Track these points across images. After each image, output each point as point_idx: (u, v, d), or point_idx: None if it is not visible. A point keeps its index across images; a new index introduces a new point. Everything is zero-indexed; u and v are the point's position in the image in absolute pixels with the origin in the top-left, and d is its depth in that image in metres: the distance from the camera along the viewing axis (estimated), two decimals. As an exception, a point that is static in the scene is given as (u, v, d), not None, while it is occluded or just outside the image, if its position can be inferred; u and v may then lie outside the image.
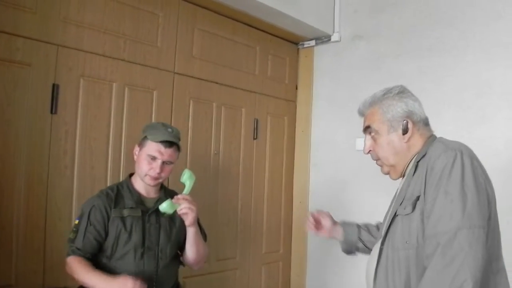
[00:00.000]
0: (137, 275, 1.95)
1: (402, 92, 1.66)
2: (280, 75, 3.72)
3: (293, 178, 3.82)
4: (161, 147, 2.02)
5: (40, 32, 2.30)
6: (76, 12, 2.44)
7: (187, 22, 2.98)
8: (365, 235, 1.98)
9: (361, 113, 1.76)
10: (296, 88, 3.86)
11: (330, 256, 3.52)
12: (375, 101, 1.68)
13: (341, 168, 3.54)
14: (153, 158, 2.03)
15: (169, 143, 2.04)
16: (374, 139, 1.68)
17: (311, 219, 2.02)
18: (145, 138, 2.07)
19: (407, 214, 1.50)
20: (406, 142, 1.62)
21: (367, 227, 2.02)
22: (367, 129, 1.71)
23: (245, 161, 3.39)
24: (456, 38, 2.96)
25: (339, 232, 2.02)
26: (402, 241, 1.50)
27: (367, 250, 1.94)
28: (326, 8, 3.59)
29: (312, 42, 3.75)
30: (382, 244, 1.59)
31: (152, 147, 2.03)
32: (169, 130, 2.09)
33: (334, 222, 2.04)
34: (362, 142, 3.26)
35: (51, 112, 2.33)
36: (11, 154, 2.21)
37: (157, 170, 2.02)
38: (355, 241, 1.99)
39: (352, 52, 3.53)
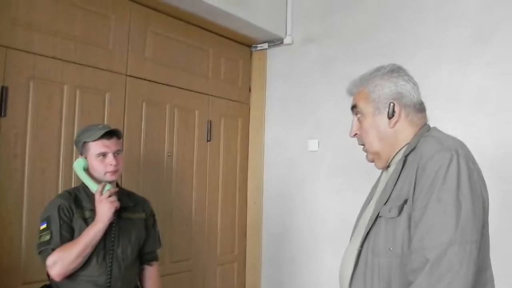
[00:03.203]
0: (99, 277, 1.96)
1: (393, 70, 1.51)
2: (233, 78, 3.76)
3: (247, 179, 3.85)
4: (105, 141, 2.04)
5: (-13, 33, 2.25)
6: (25, 13, 2.39)
7: (139, 24, 2.97)
8: None
9: (350, 92, 1.60)
10: (250, 90, 3.90)
11: (284, 256, 3.60)
12: (362, 80, 1.55)
13: (294, 169, 3.60)
14: (104, 155, 2.03)
15: (108, 135, 2.05)
16: (360, 122, 1.53)
17: None
18: (84, 144, 2.06)
19: (392, 218, 1.35)
20: (391, 128, 1.46)
21: None
22: (353, 108, 1.56)
23: (198, 162, 3.40)
24: (405, 40, 3.04)
25: None
26: (385, 247, 1.35)
27: None
28: (278, 11, 3.65)
29: (265, 45, 3.80)
30: (361, 246, 1.43)
31: (97, 146, 2.03)
32: (100, 126, 2.11)
33: None
34: (314, 143, 3.40)
35: (0, 115, 2.28)
36: (-43, 158, 2.15)
37: (113, 162, 2.03)
38: None
39: (304, 55, 3.60)
